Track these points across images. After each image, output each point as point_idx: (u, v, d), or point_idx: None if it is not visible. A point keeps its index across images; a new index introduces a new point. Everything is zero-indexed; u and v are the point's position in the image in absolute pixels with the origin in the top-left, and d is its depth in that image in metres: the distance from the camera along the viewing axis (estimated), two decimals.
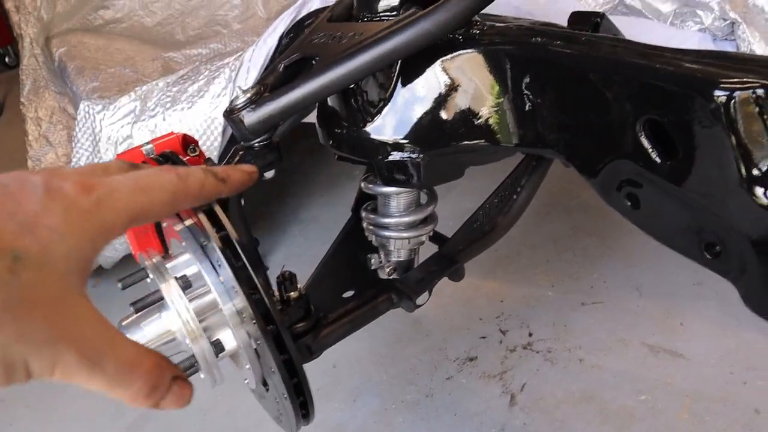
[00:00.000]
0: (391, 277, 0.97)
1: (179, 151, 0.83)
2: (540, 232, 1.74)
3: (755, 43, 1.02)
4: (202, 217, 0.69)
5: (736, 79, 0.53)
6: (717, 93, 0.53)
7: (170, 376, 0.46)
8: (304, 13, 1.26)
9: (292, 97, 0.72)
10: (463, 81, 0.74)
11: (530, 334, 1.43)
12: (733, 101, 0.53)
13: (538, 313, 1.49)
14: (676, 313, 1.44)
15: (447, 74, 0.75)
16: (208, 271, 0.67)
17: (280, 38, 1.25)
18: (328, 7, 1.23)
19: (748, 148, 0.52)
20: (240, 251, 0.69)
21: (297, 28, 1.24)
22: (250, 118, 0.74)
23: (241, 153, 0.78)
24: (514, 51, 0.71)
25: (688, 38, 1.09)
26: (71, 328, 0.38)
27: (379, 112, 0.77)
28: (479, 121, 0.75)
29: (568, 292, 1.55)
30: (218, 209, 0.70)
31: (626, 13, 1.16)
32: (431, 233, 0.96)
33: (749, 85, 0.53)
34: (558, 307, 1.50)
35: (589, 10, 0.94)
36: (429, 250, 1.03)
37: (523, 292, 1.57)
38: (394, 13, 0.80)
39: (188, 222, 0.70)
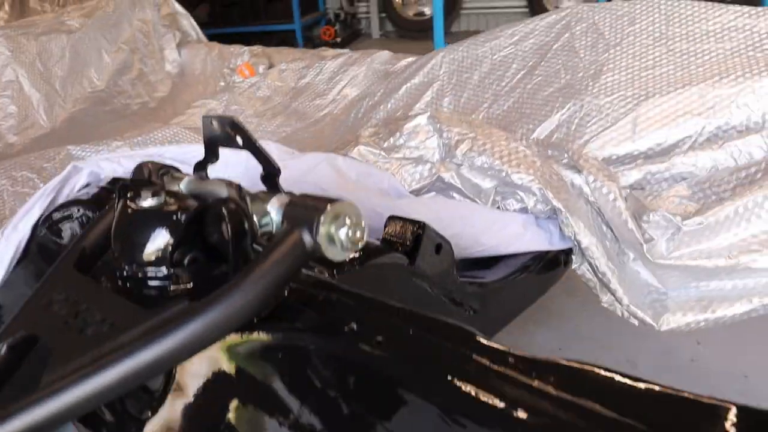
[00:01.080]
0: None
1: None
2: None
3: (581, 233, 0.96)
4: None
5: None
6: None
7: None
8: (66, 191, 1.01)
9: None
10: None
11: None
12: None
13: None
14: None
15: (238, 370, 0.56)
16: None
17: (35, 226, 0.98)
18: (100, 190, 1.00)
19: None
20: None
21: (60, 213, 0.98)
22: None
23: None
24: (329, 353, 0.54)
25: (510, 221, 1.01)
26: None
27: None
28: None
29: None
30: None
31: (444, 189, 1.07)
32: None
33: None
34: None
35: (411, 218, 0.81)
36: None
37: None
38: (163, 270, 0.60)
39: None
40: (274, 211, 0.58)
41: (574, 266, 1.06)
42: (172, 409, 0.59)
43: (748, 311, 0.99)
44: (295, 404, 0.57)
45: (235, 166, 1.00)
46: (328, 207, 0.52)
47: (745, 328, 1.09)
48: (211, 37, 3.21)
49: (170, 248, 0.60)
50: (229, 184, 0.59)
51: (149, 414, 0.58)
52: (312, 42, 6.38)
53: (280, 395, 0.58)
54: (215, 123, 0.65)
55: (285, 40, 5.99)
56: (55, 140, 2.30)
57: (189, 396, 0.59)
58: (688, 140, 1.15)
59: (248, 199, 0.58)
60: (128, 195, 0.63)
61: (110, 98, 2.58)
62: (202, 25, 3.56)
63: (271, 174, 0.62)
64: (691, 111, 1.16)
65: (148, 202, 0.61)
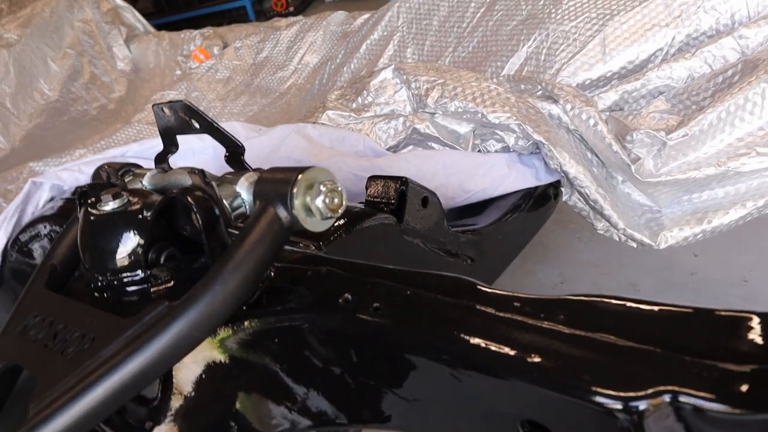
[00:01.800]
0: None
1: None
2: None
3: (566, 164, 0.93)
4: None
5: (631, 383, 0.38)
6: (607, 402, 0.38)
7: None
8: (30, 210, 0.96)
9: None
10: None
11: None
12: (635, 415, 0.38)
13: None
14: None
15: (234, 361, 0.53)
16: None
17: (4, 251, 0.94)
18: (66, 202, 0.96)
19: None
20: None
21: (27, 234, 0.94)
22: None
23: None
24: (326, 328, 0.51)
25: (494, 163, 0.98)
26: None
27: None
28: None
29: None
30: None
31: (421, 141, 1.03)
32: None
33: (653, 389, 0.38)
34: None
35: (389, 175, 0.78)
36: None
37: None
38: (139, 273, 0.57)
39: None
40: (243, 191, 0.54)
41: (564, 198, 1.03)
42: (177, 413, 0.56)
43: (743, 216, 0.98)
44: (300, 385, 0.55)
45: (202, 153, 0.96)
46: (299, 177, 0.48)
47: (738, 233, 1.08)
48: (160, 27, 3.10)
49: (142, 249, 0.56)
50: (191, 171, 0.55)
51: (152, 424, 0.55)
52: (265, 15, 6.21)
53: (284, 378, 0.55)
54: (167, 110, 0.61)
55: (237, 18, 5.84)
56: (16, 160, 2.22)
57: (191, 396, 0.56)
58: (659, 53, 1.12)
59: (215, 184, 0.54)
60: (89, 201, 0.59)
61: (66, 107, 2.49)
62: (148, 15, 3.44)
63: (235, 153, 0.58)
64: (658, 23, 1.12)
65: (110, 205, 0.57)
